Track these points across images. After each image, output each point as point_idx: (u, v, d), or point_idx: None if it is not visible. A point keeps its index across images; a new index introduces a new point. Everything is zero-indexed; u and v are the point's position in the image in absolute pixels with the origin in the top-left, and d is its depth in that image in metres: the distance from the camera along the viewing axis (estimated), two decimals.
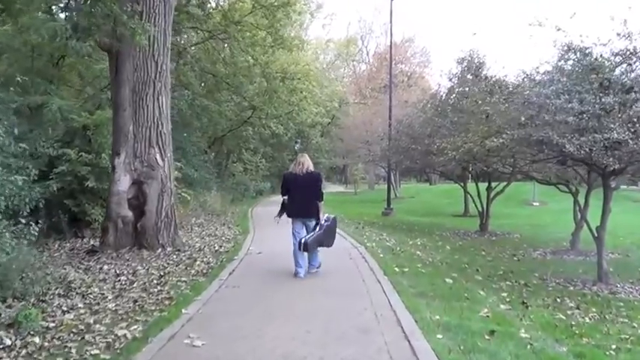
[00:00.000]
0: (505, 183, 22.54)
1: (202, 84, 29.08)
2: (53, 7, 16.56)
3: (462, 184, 27.59)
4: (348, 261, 12.27)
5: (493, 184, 22.73)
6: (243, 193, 41.97)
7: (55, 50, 18.07)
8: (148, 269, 11.21)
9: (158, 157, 13.47)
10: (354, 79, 75.41)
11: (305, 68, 28.31)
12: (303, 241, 10.19)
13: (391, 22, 30.91)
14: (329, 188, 69.16)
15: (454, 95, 21.76)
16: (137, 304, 8.39)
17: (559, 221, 24.87)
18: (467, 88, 20.08)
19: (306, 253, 10.50)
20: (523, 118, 11.17)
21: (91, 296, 8.93)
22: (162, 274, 10.70)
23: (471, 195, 23.71)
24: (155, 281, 10.04)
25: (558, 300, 10.07)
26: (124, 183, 13.24)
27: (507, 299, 9.59)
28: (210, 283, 9.79)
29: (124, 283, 10.04)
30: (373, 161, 35.13)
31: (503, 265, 13.98)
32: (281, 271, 10.92)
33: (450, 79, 22.45)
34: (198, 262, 11.93)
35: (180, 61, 24.26)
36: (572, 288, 11.62)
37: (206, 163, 31.70)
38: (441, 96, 23.44)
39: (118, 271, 11.01)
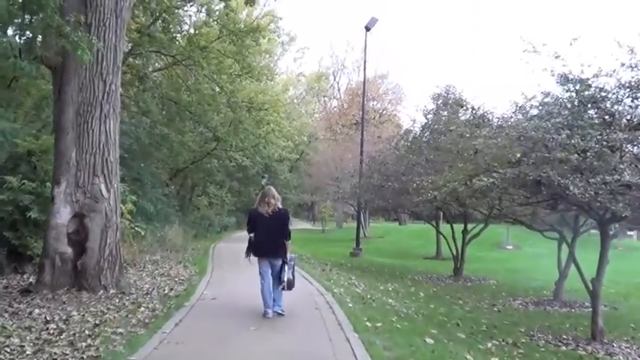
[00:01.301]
0: (482, 225, 21.55)
1: (163, 112, 27.59)
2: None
3: (435, 225, 26.64)
4: (313, 311, 10.82)
5: (468, 227, 21.67)
6: (207, 228, 40.58)
7: (5, 71, 16.75)
8: (84, 315, 9.72)
9: (103, 187, 12.01)
10: (324, 114, 75.10)
11: (273, 99, 26.91)
12: (286, 279, 9.96)
13: (365, 52, 30.24)
14: (296, 225, 68.63)
15: (429, 132, 21.02)
16: None
17: (535, 267, 24.27)
18: (447, 121, 19.05)
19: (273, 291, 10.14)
20: (518, 155, 9.90)
21: (7, 350, 7.50)
22: (98, 322, 9.22)
23: (445, 237, 22.66)
24: (87, 332, 8.54)
25: None
26: (63, 215, 11.76)
27: None
28: (151, 338, 8.33)
29: (51, 332, 8.55)
30: (342, 199, 34.08)
31: (484, 318, 12.75)
32: (235, 323, 9.48)
33: (425, 116, 21.76)
34: (142, 309, 10.45)
35: (140, 87, 22.83)
36: (564, 348, 10.42)
37: (166, 196, 30.25)
38: (416, 132, 22.59)
39: (48, 317, 9.48)
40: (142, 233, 18.72)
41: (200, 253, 24.78)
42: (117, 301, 11.16)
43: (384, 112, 68.97)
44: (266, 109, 25.90)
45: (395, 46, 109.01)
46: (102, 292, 11.69)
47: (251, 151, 35.73)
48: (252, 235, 10.21)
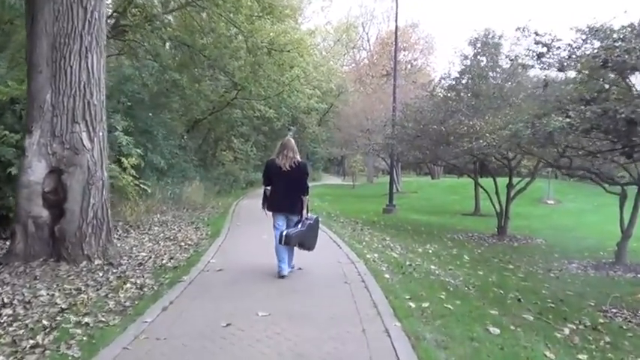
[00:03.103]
0: (528, 179, 19.69)
1: (177, 57, 25.23)
2: None
3: (475, 178, 24.83)
4: (342, 287, 8.70)
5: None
6: (232, 184, 38.59)
7: None
8: (53, 295, 7.77)
9: (84, 136, 9.87)
10: (354, 67, 72.90)
11: (296, 39, 24.36)
12: (284, 233, 9.21)
13: None
14: (326, 180, 67.60)
15: (467, 79, 19.66)
16: None
17: (582, 224, 22.83)
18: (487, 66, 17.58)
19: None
20: (607, 86, 7.55)
21: None
22: (67, 305, 7.27)
23: (487, 192, 20.44)
24: (46, 321, 6.54)
25: None
26: (37, 171, 9.65)
27: None
28: (125, 330, 6.32)
29: (3, 320, 6.60)
30: (374, 151, 31.98)
31: (544, 289, 10.50)
32: (241, 305, 7.43)
33: (462, 62, 20.28)
34: (128, 286, 8.42)
35: (148, 27, 20.52)
36: None
37: (182, 150, 28.36)
38: (452, 78, 20.87)
39: (6, 299, 7.49)
40: (149, 191, 16.64)
41: (219, 211, 22.87)
42: (100, 274, 9.17)
43: (415, 62, 66.57)
44: (288, 51, 23.38)
45: None
46: (85, 263, 9.69)
47: (275, 100, 33.40)
48: (267, 188, 9.64)
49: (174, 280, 8.92)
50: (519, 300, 9.12)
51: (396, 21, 28.97)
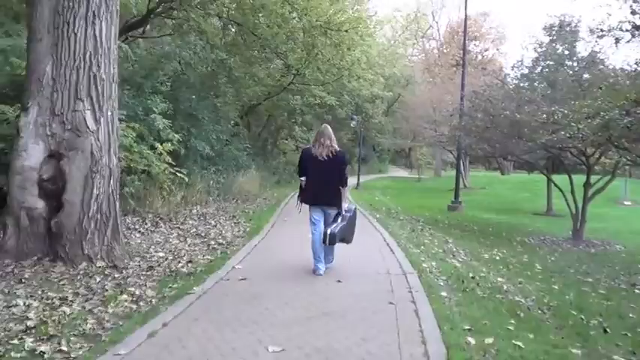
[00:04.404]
0: (607, 178, 17.99)
1: (224, 37, 23.69)
2: None
3: (548, 175, 22.84)
4: (385, 311, 6.93)
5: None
6: (293, 174, 37.24)
7: None
8: (29, 306, 6.38)
9: (89, 115, 8.37)
10: (423, 57, 71.43)
11: (354, 17, 22.50)
12: (329, 232, 8.61)
13: None
14: (392, 172, 66.45)
15: (542, 67, 19.19)
16: None
17: None
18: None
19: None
20: None
21: None
22: (37, 321, 5.86)
23: (561, 191, 18.56)
24: None
25: None
26: (33, 155, 8.23)
27: None
28: None
29: None
30: (440, 142, 30.45)
31: (632, 311, 8.64)
32: (251, 335, 5.80)
33: (536, 50, 19.68)
34: (123, 297, 6.90)
35: (192, 2, 19.07)
36: None
37: (236, 137, 26.98)
38: (525, 66, 19.52)
39: None
40: (187, 180, 15.20)
41: (271, 203, 21.56)
42: (97, 280, 7.69)
43: (486, 53, 64.76)
44: (346, 31, 21.60)
45: None
46: (84, 264, 8.21)
47: (334, 86, 31.76)
48: (302, 179, 9.14)
49: (182, 291, 7.37)
50: (605, 331, 7.30)
51: (466, 9, 27.26)
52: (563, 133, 11.73)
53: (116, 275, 8.01)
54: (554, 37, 18.45)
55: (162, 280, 7.97)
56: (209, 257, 9.83)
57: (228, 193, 21.41)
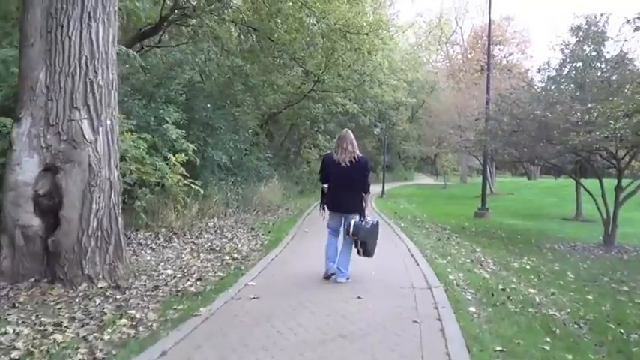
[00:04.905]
0: (638, 182, 17.00)
1: (240, 43, 23.09)
2: None
3: (577, 179, 22.21)
4: (408, 331, 6.25)
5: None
6: (316, 184, 36.75)
7: None
8: (19, 334, 5.80)
9: (86, 125, 7.79)
10: (447, 62, 71.28)
11: (374, 20, 21.78)
12: (353, 222, 8.46)
13: None
14: (417, 180, 66.43)
15: (569, 68, 18.02)
16: None
17: None
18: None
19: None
20: None
21: None
22: (24, 351, 5.36)
23: (592, 195, 17.83)
24: None
25: None
26: (27, 169, 7.65)
27: None
28: None
29: None
30: (465, 148, 29.85)
31: None
32: None
33: (563, 51, 18.45)
34: (122, 322, 6.30)
35: (206, 8, 18.53)
36: None
37: (256, 146, 26.44)
38: (557, 67, 18.87)
39: None
40: (202, 192, 14.64)
41: (292, 214, 21.02)
42: (97, 302, 7.09)
43: (511, 57, 64.21)
44: (366, 34, 20.91)
45: None
46: (85, 285, 7.63)
47: (356, 92, 31.13)
48: (325, 185, 8.99)
49: (187, 313, 6.74)
50: None
51: (489, 13, 26.69)
52: (598, 133, 11.11)
53: (118, 296, 7.40)
54: (582, 38, 17.68)
55: (166, 300, 7.34)
56: (221, 274, 9.20)
57: (248, 204, 20.91)
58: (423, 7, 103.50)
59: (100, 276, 7.84)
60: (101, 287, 7.66)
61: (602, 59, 16.97)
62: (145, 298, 7.38)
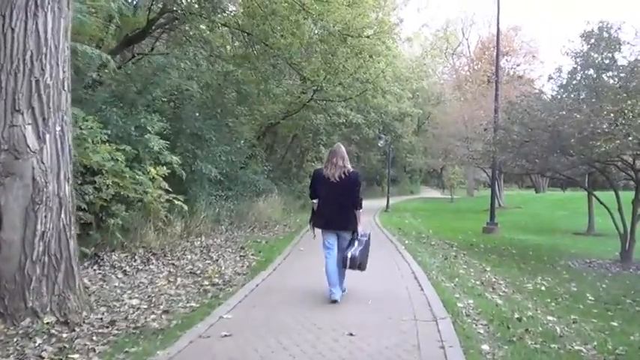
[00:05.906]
0: None
1: (232, 49, 22.04)
2: None
3: (590, 191, 21.39)
4: None
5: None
6: None
7: None
8: None
9: (30, 131, 6.60)
10: (453, 74, 70.61)
11: (377, 22, 20.65)
12: (349, 255, 8.18)
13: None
14: (424, 193, 65.87)
15: (581, 76, 16.93)
16: None
17: None
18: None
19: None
20: None
21: None
22: None
23: (608, 209, 16.78)
24: None
25: None
26: None
27: None
28: None
29: None
30: (473, 160, 28.86)
31: None
32: None
33: (574, 59, 17.12)
34: None
35: (195, 11, 17.46)
36: None
37: (253, 159, 25.51)
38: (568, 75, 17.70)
39: None
40: (185, 208, 13.51)
41: (290, 230, 20.06)
42: (37, 343, 5.91)
43: (518, 67, 63.64)
44: (367, 37, 19.76)
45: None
46: (28, 320, 6.43)
47: (357, 102, 30.04)
48: (314, 201, 8.76)
49: (140, 357, 5.58)
50: None
51: (497, 19, 25.75)
52: (630, 138, 10.08)
53: (64, 335, 6.22)
54: (594, 45, 16.79)
55: (119, 341, 6.15)
56: (193, 304, 8.02)
57: (243, 220, 19.91)
58: (428, 17, 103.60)
59: (47, 309, 6.64)
60: (47, 323, 6.46)
61: (616, 65, 16.09)
62: (95, 338, 6.20)
